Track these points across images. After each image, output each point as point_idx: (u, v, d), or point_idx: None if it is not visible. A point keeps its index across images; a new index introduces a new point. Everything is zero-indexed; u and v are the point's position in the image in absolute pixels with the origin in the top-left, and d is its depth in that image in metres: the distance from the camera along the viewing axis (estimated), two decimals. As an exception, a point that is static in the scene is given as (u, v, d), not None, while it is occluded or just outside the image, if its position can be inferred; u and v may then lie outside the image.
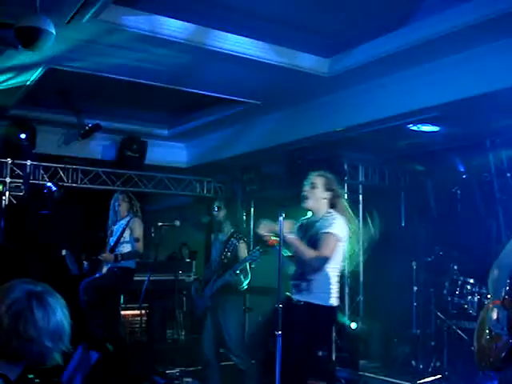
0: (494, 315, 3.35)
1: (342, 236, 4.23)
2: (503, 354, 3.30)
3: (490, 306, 3.47)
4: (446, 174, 7.99)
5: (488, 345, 3.40)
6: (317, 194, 4.37)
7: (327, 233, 4.17)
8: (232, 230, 5.78)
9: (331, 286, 4.23)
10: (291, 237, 4.17)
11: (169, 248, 9.56)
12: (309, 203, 4.39)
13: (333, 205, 4.40)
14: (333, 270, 4.25)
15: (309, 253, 4.16)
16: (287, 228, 4.17)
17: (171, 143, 9.06)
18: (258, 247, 5.37)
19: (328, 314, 4.27)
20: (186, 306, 8.41)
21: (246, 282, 5.66)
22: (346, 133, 6.57)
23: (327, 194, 4.39)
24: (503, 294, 3.41)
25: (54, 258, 7.30)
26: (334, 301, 4.26)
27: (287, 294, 4.35)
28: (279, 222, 3.99)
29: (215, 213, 5.85)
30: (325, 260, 4.14)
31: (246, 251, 5.66)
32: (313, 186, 4.38)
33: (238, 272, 5.47)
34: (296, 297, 4.28)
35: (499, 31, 4.48)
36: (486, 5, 4.20)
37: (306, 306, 4.20)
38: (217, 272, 5.67)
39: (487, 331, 3.42)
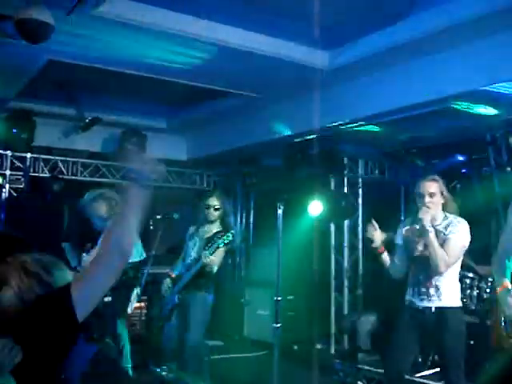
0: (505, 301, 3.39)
1: (467, 240, 4.20)
2: None
3: (500, 290, 3.50)
4: (445, 168, 7.98)
5: (506, 340, 3.41)
6: (436, 202, 4.25)
7: (455, 236, 4.14)
8: (217, 230, 5.53)
9: (458, 288, 4.26)
10: (431, 230, 4.08)
11: (168, 241, 9.57)
12: (431, 213, 4.21)
13: (443, 206, 4.33)
14: (456, 272, 4.25)
15: (441, 252, 4.08)
16: (426, 220, 4.10)
17: (171, 136, 9.06)
18: (230, 233, 5.21)
19: (461, 315, 4.35)
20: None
21: (215, 267, 5.39)
22: (346, 126, 6.58)
23: (442, 199, 4.29)
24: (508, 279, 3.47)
25: (53, 251, 7.30)
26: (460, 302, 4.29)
27: (408, 300, 4.36)
28: (278, 215, 3.88)
29: (211, 211, 5.60)
30: (452, 263, 4.11)
31: (223, 254, 5.41)
32: (432, 195, 4.24)
33: (209, 256, 5.19)
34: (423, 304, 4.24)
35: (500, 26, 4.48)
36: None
37: (438, 312, 4.18)
38: (191, 273, 5.41)
39: (504, 325, 3.42)
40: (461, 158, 7.58)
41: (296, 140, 7.39)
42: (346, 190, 8.28)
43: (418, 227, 4.24)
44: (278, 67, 5.66)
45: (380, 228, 4.47)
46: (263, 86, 6.46)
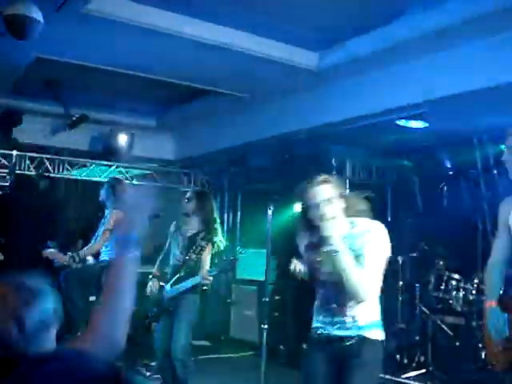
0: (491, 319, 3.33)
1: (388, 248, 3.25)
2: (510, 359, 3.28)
3: (487, 306, 3.44)
4: (432, 169, 8.03)
5: (496, 346, 3.37)
6: (336, 208, 3.15)
7: (372, 249, 3.11)
8: (200, 228, 5.39)
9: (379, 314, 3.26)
10: (340, 243, 3.03)
11: (154, 240, 9.52)
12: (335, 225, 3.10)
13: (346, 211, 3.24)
14: (376, 293, 3.21)
15: (359, 275, 3.03)
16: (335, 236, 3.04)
17: (158, 135, 9.03)
18: (229, 257, 5.17)
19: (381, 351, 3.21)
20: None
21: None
22: (334, 127, 6.58)
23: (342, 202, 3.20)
24: (499, 294, 3.38)
25: (39, 249, 7.25)
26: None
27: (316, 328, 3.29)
28: (268, 216, 3.68)
29: (184, 204, 5.46)
30: (376, 285, 3.12)
31: (209, 255, 5.29)
32: (328, 202, 3.12)
33: (210, 277, 5.13)
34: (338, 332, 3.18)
35: (485, 29, 4.50)
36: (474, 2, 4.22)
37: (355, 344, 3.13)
38: (180, 271, 5.27)
39: (492, 335, 3.39)
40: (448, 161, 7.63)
41: (284, 140, 7.39)
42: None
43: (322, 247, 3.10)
44: (267, 67, 5.65)
45: None
46: (252, 85, 6.45)
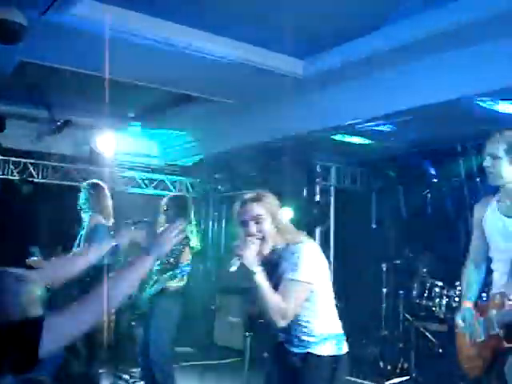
0: (472, 320, 3.37)
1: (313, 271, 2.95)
2: (485, 362, 3.31)
3: (462, 308, 3.48)
4: (416, 177, 8.07)
5: (471, 350, 3.40)
6: (266, 229, 2.99)
7: (293, 274, 2.90)
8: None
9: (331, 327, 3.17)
10: (257, 270, 2.88)
11: (138, 246, 9.49)
12: (256, 248, 2.95)
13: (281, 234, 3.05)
14: (325, 305, 3.12)
15: (274, 302, 2.89)
16: (247, 257, 2.88)
17: (144, 141, 9.01)
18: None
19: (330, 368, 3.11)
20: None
21: (182, 284, 5.28)
22: (320, 135, 6.60)
23: (274, 224, 3.02)
24: (473, 296, 3.45)
25: (23, 254, 7.19)
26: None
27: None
28: None
29: (163, 212, 5.42)
30: (293, 313, 2.93)
31: (189, 256, 5.28)
32: (258, 221, 2.99)
33: (176, 279, 5.15)
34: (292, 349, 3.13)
35: (469, 39, 4.55)
36: (456, 12, 4.26)
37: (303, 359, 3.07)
38: (156, 274, 5.26)
39: (467, 337, 3.42)
40: (432, 168, 7.68)
41: (270, 147, 7.40)
42: (318, 198, 8.31)
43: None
44: (253, 74, 5.66)
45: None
46: (237, 92, 6.45)
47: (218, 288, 9.18)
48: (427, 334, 6.63)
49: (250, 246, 2.90)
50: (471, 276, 3.53)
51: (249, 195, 3.05)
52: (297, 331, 3.05)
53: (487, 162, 3.27)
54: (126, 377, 6.65)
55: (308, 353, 3.03)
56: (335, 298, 3.21)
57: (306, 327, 3.03)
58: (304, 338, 3.04)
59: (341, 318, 3.25)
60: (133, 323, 5.73)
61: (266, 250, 2.99)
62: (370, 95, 5.68)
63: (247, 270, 2.88)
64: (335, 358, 3.10)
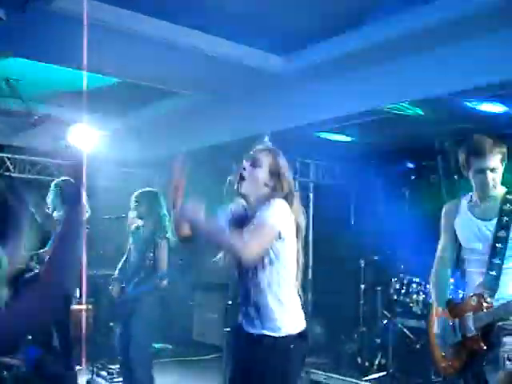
0: (441, 327, 3.40)
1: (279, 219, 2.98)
2: (460, 362, 3.33)
3: (435, 317, 3.50)
4: (395, 174, 8.12)
5: (446, 350, 3.42)
6: (255, 178, 3.13)
7: (262, 213, 2.93)
8: (153, 227, 5.28)
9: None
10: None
11: (116, 241, 9.44)
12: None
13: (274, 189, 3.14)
14: (288, 290, 3.09)
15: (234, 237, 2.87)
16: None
17: (121, 135, 8.94)
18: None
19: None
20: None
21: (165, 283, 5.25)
22: (298, 131, 6.61)
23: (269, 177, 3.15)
24: (445, 301, 3.44)
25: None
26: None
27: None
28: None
29: (134, 207, 5.38)
30: (258, 246, 2.87)
31: (166, 250, 5.22)
32: (254, 164, 3.16)
33: (162, 280, 5.14)
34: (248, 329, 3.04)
35: (447, 37, 4.59)
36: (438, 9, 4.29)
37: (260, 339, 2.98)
38: (138, 273, 5.22)
39: (440, 342, 3.45)
40: (410, 165, 7.73)
41: (248, 142, 7.37)
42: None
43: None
44: (230, 70, 5.64)
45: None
46: (216, 88, 6.43)
47: (196, 284, 9.16)
48: (405, 330, 6.68)
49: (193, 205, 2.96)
50: (442, 279, 3.53)
51: (261, 147, 3.26)
52: (256, 300, 2.99)
53: (488, 177, 3.23)
54: (104, 373, 6.61)
55: (264, 335, 2.96)
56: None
57: (266, 295, 2.98)
58: (262, 310, 2.97)
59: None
60: (111, 324, 5.67)
61: (244, 190, 3.07)
62: (348, 92, 5.70)
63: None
64: (293, 337, 3.00)
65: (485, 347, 3.18)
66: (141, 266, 5.24)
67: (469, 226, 3.37)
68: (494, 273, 3.22)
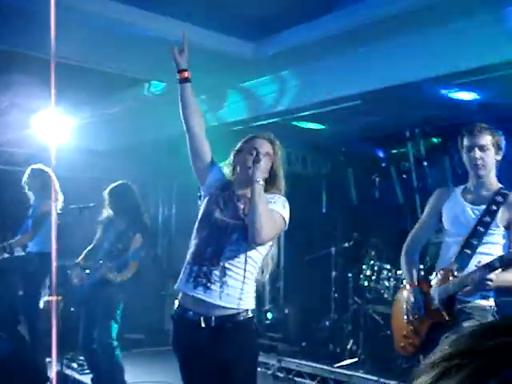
0: (411, 298, 3.46)
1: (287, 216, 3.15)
2: (420, 339, 3.41)
3: (407, 288, 3.57)
4: (366, 162, 8.16)
5: (406, 328, 3.50)
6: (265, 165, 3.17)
7: (275, 206, 3.06)
8: (128, 221, 5.25)
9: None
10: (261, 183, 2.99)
11: (84, 231, 9.32)
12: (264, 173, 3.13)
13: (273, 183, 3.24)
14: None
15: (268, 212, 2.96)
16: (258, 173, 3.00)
17: (92, 125, 8.81)
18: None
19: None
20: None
21: (128, 277, 5.19)
22: (270, 119, 6.58)
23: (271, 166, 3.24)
24: (416, 276, 3.53)
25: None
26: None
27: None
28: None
29: (108, 205, 5.34)
30: (273, 235, 3.05)
31: (139, 241, 5.21)
32: (267, 153, 3.22)
33: (120, 273, 5.10)
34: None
35: (421, 23, 4.59)
36: None
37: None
38: (105, 262, 5.17)
39: (405, 315, 3.52)
40: (380, 153, 7.78)
41: (218, 131, 7.34)
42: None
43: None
44: (201, 56, 5.58)
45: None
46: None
47: (169, 274, 9.11)
48: (375, 316, 6.73)
49: (259, 167, 3.01)
50: (414, 258, 3.62)
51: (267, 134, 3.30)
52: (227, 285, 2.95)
53: (476, 154, 3.27)
54: (74, 365, 6.55)
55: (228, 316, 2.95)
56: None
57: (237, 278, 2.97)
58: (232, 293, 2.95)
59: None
60: (72, 309, 5.63)
61: (257, 176, 3.00)
62: (320, 79, 5.69)
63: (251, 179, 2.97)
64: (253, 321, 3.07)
65: (447, 318, 3.26)
66: (106, 255, 5.19)
67: (456, 208, 3.43)
68: (468, 251, 3.29)
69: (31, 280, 6.13)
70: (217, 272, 2.94)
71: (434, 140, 7.16)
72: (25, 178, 6.29)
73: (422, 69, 4.88)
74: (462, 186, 3.51)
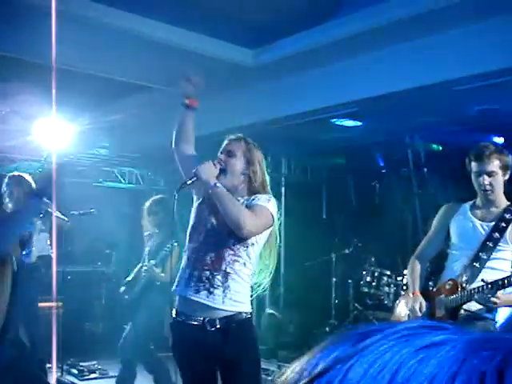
0: (417, 306, 3.46)
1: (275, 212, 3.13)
2: None
3: (411, 296, 3.57)
4: (365, 168, 8.17)
5: None
6: (236, 167, 3.18)
7: (261, 202, 3.07)
8: (164, 236, 5.26)
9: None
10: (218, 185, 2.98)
11: (86, 238, 9.32)
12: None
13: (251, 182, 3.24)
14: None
15: (243, 208, 2.97)
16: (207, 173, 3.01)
17: (93, 131, 8.83)
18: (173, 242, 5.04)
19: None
20: (105, 298, 8.24)
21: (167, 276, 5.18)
22: (269, 126, 6.59)
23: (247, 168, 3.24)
24: (421, 285, 3.55)
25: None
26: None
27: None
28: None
29: (149, 217, 5.38)
30: (261, 227, 3.03)
31: (175, 258, 5.03)
32: (230, 155, 3.23)
33: (153, 266, 5.14)
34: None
35: (415, 31, 4.62)
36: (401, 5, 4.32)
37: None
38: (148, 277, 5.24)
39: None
40: (380, 159, 7.79)
41: (218, 138, 7.33)
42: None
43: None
44: (200, 63, 5.60)
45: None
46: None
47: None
48: (376, 322, 6.72)
49: (209, 164, 3.03)
50: (418, 269, 3.64)
51: (236, 135, 3.28)
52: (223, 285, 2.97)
53: (485, 181, 3.31)
54: (74, 371, 6.54)
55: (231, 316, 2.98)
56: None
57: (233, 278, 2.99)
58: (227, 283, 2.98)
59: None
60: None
61: (225, 181, 3.05)
62: (318, 86, 5.70)
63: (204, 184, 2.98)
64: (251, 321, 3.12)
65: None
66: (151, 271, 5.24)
67: (465, 223, 3.47)
68: (477, 264, 3.32)
69: (28, 286, 6.11)
70: (219, 277, 2.95)
71: (434, 146, 7.17)
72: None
73: (422, 75, 4.90)
74: (470, 202, 3.53)
